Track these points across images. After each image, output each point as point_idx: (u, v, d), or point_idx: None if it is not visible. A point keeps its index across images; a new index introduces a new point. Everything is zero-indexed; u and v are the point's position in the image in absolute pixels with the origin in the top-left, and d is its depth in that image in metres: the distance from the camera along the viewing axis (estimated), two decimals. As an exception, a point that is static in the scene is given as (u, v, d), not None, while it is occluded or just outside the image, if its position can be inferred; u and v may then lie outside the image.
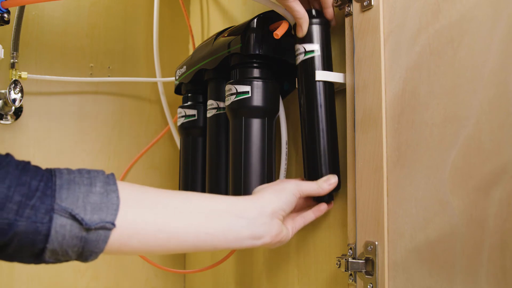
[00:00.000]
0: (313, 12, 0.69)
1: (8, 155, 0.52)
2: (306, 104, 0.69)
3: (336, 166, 0.69)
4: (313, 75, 0.68)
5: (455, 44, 0.54)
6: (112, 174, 0.55)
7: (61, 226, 0.50)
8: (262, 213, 0.61)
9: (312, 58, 0.68)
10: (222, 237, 0.58)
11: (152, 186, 1.16)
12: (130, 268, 1.11)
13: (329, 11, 0.71)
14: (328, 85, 0.69)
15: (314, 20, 0.69)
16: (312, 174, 0.69)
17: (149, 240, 0.55)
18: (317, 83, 0.68)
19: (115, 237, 0.52)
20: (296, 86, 0.72)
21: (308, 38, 0.69)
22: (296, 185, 0.65)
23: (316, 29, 0.69)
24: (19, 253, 0.50)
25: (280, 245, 0.64)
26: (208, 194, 0.62)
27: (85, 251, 0.52)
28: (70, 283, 1.04)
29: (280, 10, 0.71)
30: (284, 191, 0.64)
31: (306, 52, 0.69)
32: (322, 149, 0.68)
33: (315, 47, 0.69)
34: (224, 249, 0.61)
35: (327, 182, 0.67)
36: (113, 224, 0.51)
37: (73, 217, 0.50)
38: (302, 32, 0.69)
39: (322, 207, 0.71)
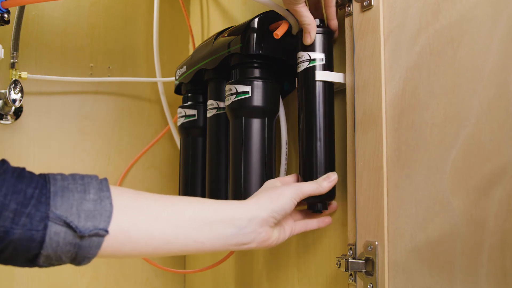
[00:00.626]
0: (317, 21, 0.69)
1: (4, 161, 0.52)
2: (305, 106, 0.69)
3: (332, 168, 0.69)
4: (315, 82, 0.69)
5: (455, 44, 0.54)
6: (105, 180, 0.55)
7: (55, 233, 0.50)
8: (252, 221, 0.61)
9: (315, 67, 0.69)
10: (210, 245, 0.59)
11: (152, 186, 1.17)
12: (130, 268, 1.11)
13: (334, 23, 0.71)
14: (328, 85, 0.69)
15: (318, 29, 0.69)
16: (307, 176, 0.68)
17: (141, 246, 0.56)
18: (317, 83, 0.68)
19: (108, 243, 0.53)
20: (296, 86, 0.72)
21: (313, 47, 0.69)
22: (296, 190, 0.65)
23: (321, 38, 0.69)
24: (14, 258, 0.51)
25: (269, 248, 0.65)
26: (201, 200, 0.62)
27: (78, 256, 0.52)
28: (70, 283, 1.04)
29: (281, 11, 0.71)
30: (281, 197, 0.63)
31: (311, 60, 0.69)
32: (319, 153, 0.68)
33: (320, 56, 0.69)
34: (208, 253, 0.62)
35: (327, 180, 0.67)
36: (106, 231, 0.52)
37: (67, 225, 0.51)
38: (310, 38, 0.68)
39: (327, 219, 0.71)
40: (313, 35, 0.68)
